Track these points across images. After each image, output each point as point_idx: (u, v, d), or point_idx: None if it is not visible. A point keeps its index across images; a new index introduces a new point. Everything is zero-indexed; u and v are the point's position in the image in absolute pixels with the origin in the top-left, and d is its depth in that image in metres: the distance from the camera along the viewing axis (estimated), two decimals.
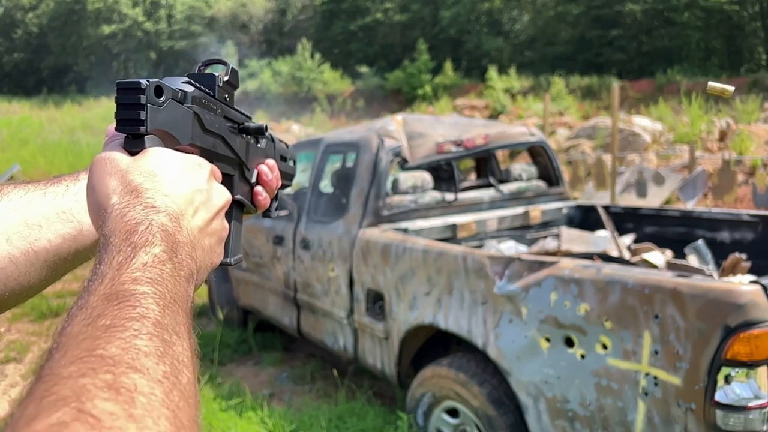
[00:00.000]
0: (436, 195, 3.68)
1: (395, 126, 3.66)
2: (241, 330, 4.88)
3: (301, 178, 4.23)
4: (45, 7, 38.48)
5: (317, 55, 28.87)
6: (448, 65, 26.00)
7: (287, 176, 0.90)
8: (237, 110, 0.72)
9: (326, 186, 4.03)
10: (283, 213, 3.97)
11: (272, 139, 0.83)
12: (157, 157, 0.57)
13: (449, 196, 3.72)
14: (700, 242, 3.40)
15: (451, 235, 3.55)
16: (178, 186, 0.56)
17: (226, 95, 0.70)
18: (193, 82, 0.63)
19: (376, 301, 3.21)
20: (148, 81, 0.56)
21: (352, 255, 3.32)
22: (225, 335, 4.66)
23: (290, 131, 19.19)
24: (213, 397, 3.73)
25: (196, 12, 36.86)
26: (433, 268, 2.79)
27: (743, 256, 3.08)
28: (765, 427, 1.85)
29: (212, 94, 0.66)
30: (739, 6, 24.26)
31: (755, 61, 25.19)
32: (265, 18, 35.83)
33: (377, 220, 3.35)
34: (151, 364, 0.39)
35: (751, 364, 1.83)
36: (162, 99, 0.57)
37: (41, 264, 0.69)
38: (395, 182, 3.56)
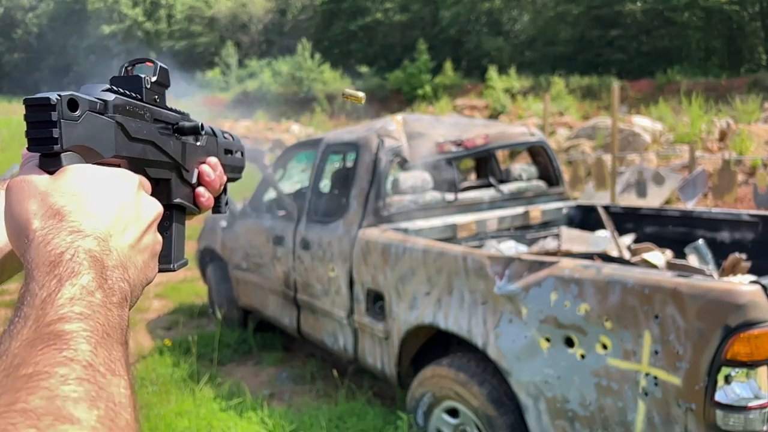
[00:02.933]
0: (436, 195, 3.68)
1: (395, 126, 3.66)
2: (241, 330, 4.88)
3: (301, 178, 4.23)
4: (45, 7, 38.55)
5: (317, 55, 28.88)
6: (448, 65, 26.00)
7: (235, 169, 0.87)
8: (171, 110, 0.69)
9: (326, 186, 4.03)
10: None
11: (214, 134, 0.80)
12: (78, 176, 0.53)
13: (449, 196, 3.72)
14: (700, 242, 3.39)
15: (451, 235, 3.55)
16: (104, 205, 0.53)
17: (156, 96, 0.67)
18: (115, 88, 0.60)
19: (376, 301, 3.21)
20: (59, 95, 0.52)
21: (352, 255, 3.32)
22: (225, 335, 4.66)
23: (290, 131, 19.23)
24: (213, 397, 3.73)
25: (196, 12, 36.90)
26: (433, 268, 2.79)
27: (743, 256, 3.08)
28: (765, 427, 1.85)
29: (139, 97, 0.63)
30: (739, 6, 24.24)
31: (755, 61, 25.17)
32: (265, 18, 35.85)
33: (377, 220, 3.35)
34: (81, 411, 0.36)
35: (751, 364, 1.83)
36: (77, 113, 0.53)
37: None
38: (395, 182, 3.56)
